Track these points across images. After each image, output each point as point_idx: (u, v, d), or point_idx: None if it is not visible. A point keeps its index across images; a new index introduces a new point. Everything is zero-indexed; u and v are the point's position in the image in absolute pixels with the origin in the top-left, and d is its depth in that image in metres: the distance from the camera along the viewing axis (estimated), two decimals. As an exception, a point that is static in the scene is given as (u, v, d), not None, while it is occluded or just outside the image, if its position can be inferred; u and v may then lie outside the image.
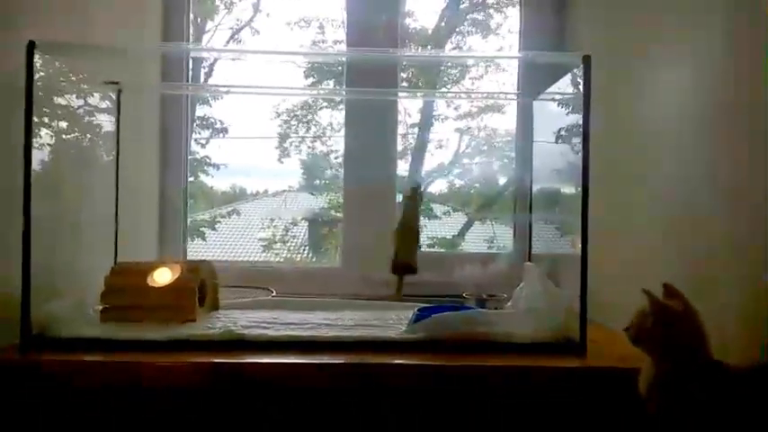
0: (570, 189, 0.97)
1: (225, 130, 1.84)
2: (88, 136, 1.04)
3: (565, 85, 0.99)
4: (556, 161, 1.01)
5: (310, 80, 2.03)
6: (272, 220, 2.09)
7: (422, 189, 1.29)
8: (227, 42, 1.89)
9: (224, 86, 1.30)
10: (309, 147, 2.04)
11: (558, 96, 1.02)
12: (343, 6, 1.87)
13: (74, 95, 0.98)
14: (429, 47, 1.91)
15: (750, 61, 0.75)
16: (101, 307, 0.95)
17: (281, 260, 1.97)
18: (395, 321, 1.00)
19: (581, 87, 0.88)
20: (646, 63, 1.01)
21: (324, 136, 1.99)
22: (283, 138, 1.99)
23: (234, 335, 0.88)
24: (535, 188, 1.14)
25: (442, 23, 1.93)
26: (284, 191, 2.16)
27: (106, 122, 1.06)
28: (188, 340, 0.87)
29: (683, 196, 0.89)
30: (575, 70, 0.93)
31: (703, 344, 0.68)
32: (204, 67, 1.78)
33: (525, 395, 0.82)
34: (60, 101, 0.94)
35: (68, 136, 0.98)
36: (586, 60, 0.87)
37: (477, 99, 1.67)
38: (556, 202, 1.05)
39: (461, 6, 1.94)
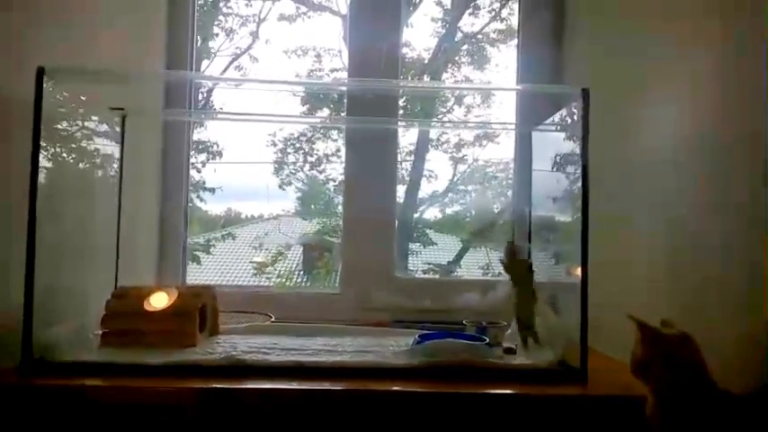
0: (569, 218, 0.98)
1: (220, 154, 1.85)
2: (91, 160, 1.04)
3: (563, 117, 1.02)
4: (555, 190, 1.02)
5: (306, 107, 2.06)
6: (265, 243, 2.10)
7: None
8: (227, 68, 1.92)
9: (228, 114, 1.31)
10: (305, 173, 2.06)
11: (556, 128, 1.04)
12: (340, 35, 1.91)
13: (79, 121, 0.99)
14: (426, 76, 1.95)
15: (746, 93, 0.78)
16: (101, 331, 0.95)
17: (276, 284, 1.97)
18: (395, 348, 1.00)
19: (578, 118, 0.91)
20: (643, 97, 1.04)
21: (320, 164, 2.02)
22: (279, 163, 2.01)
23: (235, 360, 0.88)
24: (534, 216, 1.15)
25: (438, 54, 1.98)
26: (279, 215, 2.17)
27: (110, 147, 1.07)
28: (189, 365, 0.87)
29: (681, 226, 0.91)
30: (573, 103, 0.95)
31: (701, 369, 0.69)
32: (202, 92, 1.80)
33: (527, 423, 0.82)
34: (65, 126, 0.95)
35: (72, 160, 0.99)
36: (585, 93, 0.89)
37: (476, 128, 1.70)
38: (555, 230, 1.06)
39: (456, 39, 1.99)
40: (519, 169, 1.40)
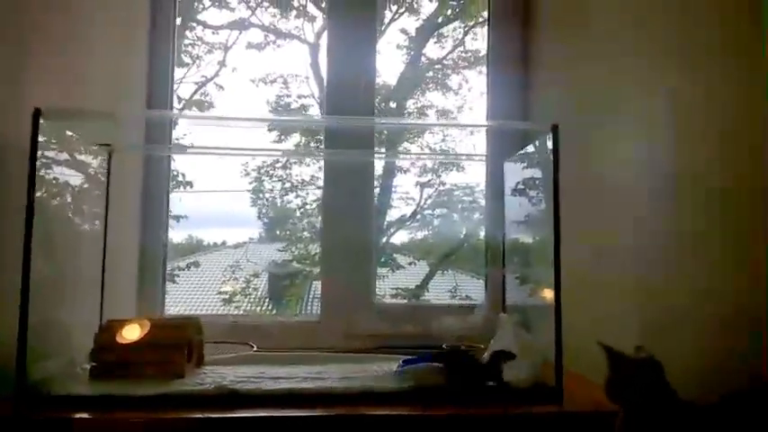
0: (541, 244, 1.04)
1: (189, 184, 1.86)
2: (78, 195, 1.06)
3: (534, 149, 1.09)
4: (527, 218, 1.09)
5: (275, 134, 2.09)
6: (233, 271, 2.10)
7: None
8: (192, 95, 1.93)
9: (208, 148, 1.34)
10: (276, 198, 2.08)
11: (528, 159, 1.12)
12: (308, 63, 1.96)
13: (68, 157, 1.01)
14: (392, 102, 2.02)
15: (700, 124, 0.86)
16: (90, 365, 0.96)
17: (248, 312, 1.97)
18: (379, 373, 1.03)
19: (548, 151, 0.98)
20: (608, 126, 1.12)
21: (293, 191, 2.05)
22: (252, 191, 2.03)
23: (227, 390, 0.90)
24: (507, 242, 1.21)
25: (404, 81, 2.05)
26: (245, 242, 2.18)
27: (97, 182, 1.09)
28: (182, 396, 0.89)
29: (647, 251, 0.98)
30: (543, 136, 1.02)
31: (665, 387, 0.76)
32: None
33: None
34: (55, 163, 0.97)
35: (59, 196, 1.00)
36: (555, 129, 0.96)
37: (449, 159, 1.78)
38: (528, 256, 1.13)
39: (422, 65, 2.07)
40: (490, 197, 1.46)
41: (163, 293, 1.39)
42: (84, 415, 0.82)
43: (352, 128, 1.42)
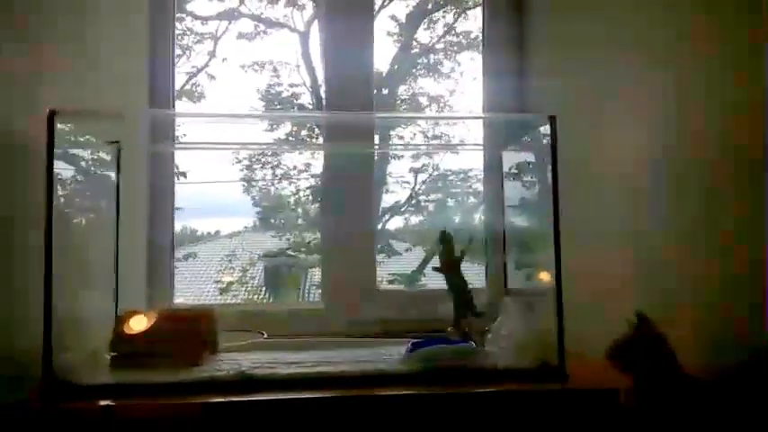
0: (541, 232, 1.08)
1: (183, 175, 1.88)
2: (89, 190, 1.08)
3: (531, 139, 1.13)
4: (526, 204, 1.14)
5: (266, 123, 2.10)
6: (229, 261, 2.12)
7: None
8: (184, 86, 1.94)
9: (210, 144, 1.35)
10: (269, 186, 2.11)
11: (526, 149, 1.15)
12: (298, 52, 1.97)
13: (79, 155, 1.03)
14: (384, 89, 2.04)
15: (695, 114, 0.90)
16: (110, 355, 0.99)
17: (245, 301, 2.00)
18: (389, 356, 1.06)
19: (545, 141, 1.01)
20: (606, 112, 1.16)
21: (287, 178, 2.07)
22: (246, 180, 2.05)
23: (246, 375, 0.94)
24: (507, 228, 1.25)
25: (395, 67, 2.07)
26: (240, 232, 2.20)
27: (106, 178, 1.12)
28: (202, 382, 0.92)
29: (645, 236, 1.03)
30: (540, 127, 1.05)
31: (673, 358, 0.81)
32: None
33: (517, 417, 0.90)
34: (67, 159, 0.99)
35: (73, 190, 1.02)
36: (552, 120, 0.98)
37: (448, 149, 1.81)
38: (529, 244, 1.17)
39: (414, 51, 2.09)
40: (488, 183, 1.50)
41: (171, 284, 1.41)
42: (111, 402, 0.85)
43: (351, 118, 1.44)
